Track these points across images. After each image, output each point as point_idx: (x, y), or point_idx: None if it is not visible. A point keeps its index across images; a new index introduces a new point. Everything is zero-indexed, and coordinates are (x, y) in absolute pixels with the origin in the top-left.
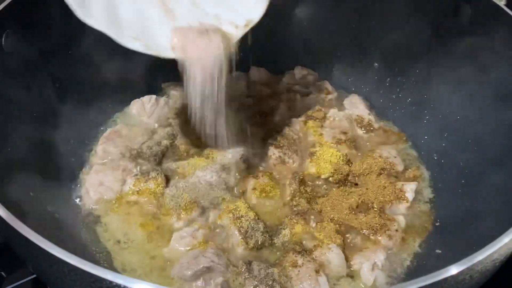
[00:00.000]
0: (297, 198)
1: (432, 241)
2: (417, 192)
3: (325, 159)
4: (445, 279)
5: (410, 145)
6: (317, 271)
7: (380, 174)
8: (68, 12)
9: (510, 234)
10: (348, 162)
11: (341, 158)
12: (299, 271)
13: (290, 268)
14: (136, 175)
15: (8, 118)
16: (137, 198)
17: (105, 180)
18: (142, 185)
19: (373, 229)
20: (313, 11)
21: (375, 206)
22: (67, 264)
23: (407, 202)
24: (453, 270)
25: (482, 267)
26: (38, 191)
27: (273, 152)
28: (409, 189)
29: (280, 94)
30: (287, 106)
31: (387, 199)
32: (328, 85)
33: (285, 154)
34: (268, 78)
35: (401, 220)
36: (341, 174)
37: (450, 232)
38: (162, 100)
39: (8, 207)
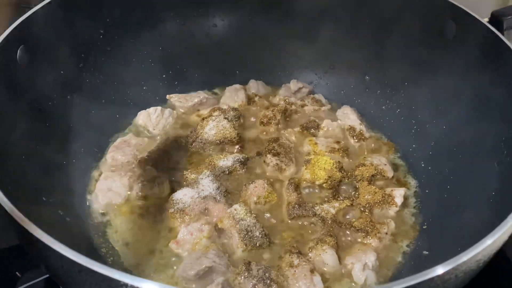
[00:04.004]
0: (293, 203)
1: (419, 243)
2: (406, 197)
3: (319, 166)
4: (432, 279)
5: (399, 153)
6: (312, 271)
7: (371, 180)
8: (78, 27)
9: (493, 237)
10: (341, 169)
11: (334, 165)
12: (295, 271)
13: (286, 268)
14: (143, 181)
15: (21, 128)
16: (144, 203)
17: (113, 186)
18: (148, 191)
19: (364, 232)
20: (309, 28)
21: (366, 210)
22: (78, 264)
23: (396, 206)
24: (440, 270)
25: (466, 267)
26: (50, 196)
27: (271, 160)
28: (398, 194)
29: (277, 106)
30: (283, 117)
31: (378, 203)
32: (321, 97)
33: (281, 161)
34: (266, 90)
35: (391, 223)
36: (334, 180)
37: (437, 235)
38: (167, 111)
39: (22, 211)
